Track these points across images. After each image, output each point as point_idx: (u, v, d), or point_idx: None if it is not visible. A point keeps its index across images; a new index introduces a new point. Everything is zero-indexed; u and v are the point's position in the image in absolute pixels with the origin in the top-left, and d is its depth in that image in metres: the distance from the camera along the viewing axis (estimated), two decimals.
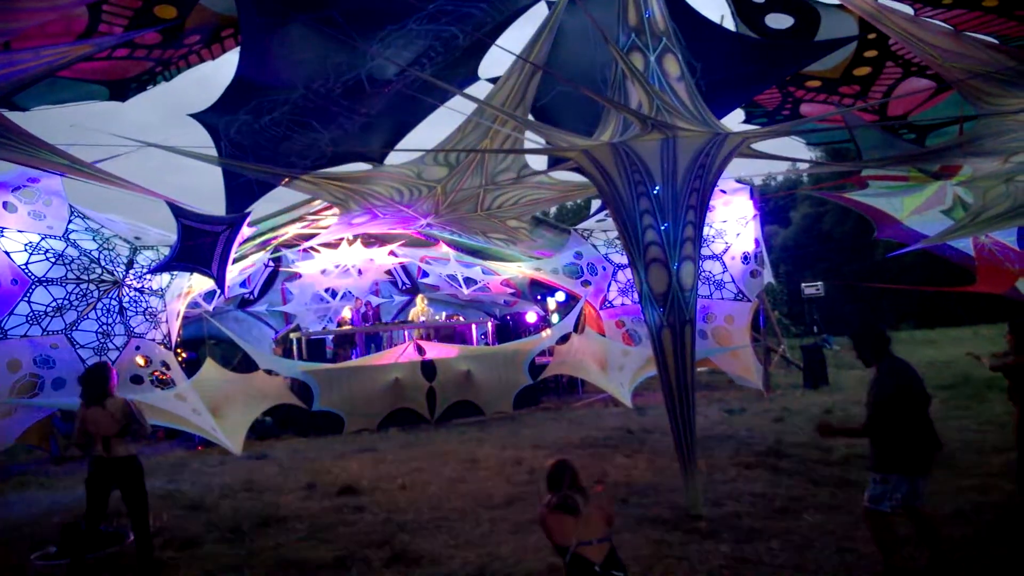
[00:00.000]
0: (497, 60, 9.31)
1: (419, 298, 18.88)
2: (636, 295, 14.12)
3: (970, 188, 10.32)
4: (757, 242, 14.76)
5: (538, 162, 10.76)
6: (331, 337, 17.40)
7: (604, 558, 4.27)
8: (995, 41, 7.18)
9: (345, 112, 8.60)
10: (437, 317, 18.38)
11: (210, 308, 16.75)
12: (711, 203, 7.67)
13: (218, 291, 13.77)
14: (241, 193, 9.34)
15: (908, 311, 36.21)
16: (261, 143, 8.65)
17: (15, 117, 6.29)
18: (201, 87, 10.70)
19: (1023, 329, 6.28)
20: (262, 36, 7.37)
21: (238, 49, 7.60)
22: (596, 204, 17.04)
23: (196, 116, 8.28)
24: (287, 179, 9.49)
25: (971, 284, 13.26)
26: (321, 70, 7.93)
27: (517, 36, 8.83)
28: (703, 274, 14.10)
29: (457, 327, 18.05)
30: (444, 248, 16.61)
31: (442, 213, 11.70)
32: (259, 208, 10.56)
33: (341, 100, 8.40)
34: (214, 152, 8.46)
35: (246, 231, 11.17)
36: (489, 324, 18.52)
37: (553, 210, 48.57)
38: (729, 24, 8.71)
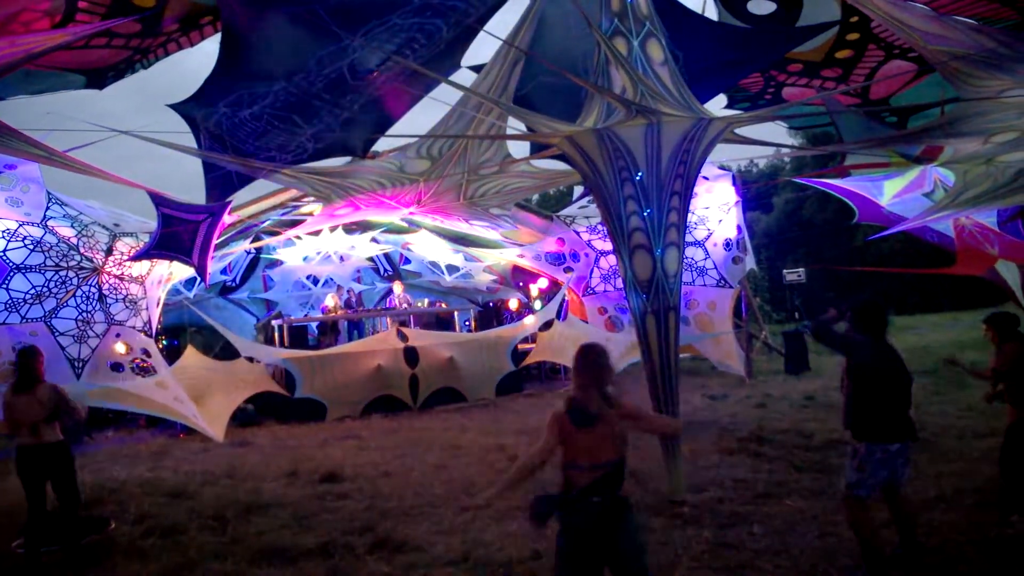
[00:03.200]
0: (478, 50, 9.27)
1: (395, 284, 18.80)
2: (618, 282, 14.21)
3: (951, 169, 10.37)
4: (739, 228, 14.80)
5: (521, 150, 10.73)
6: (315, 325, 17.33)
7: (591, 482, 3.81)
8: (975, 23, 7.22)
9: (327, 106, 8.52)
10: (419, 304, 18.35)
11: (191, 295, 16.65)
12: (694, 189, 7.68)
13: (199, 279, 13.67)
14: (221, 184, 9.26)
15: (888, 297, 36.52)
16: (241, 136, 8.56)
17: None
18: (173, 72, 10.56)
19: (1000, 322, 6.30)
20: (243, 28, 7.27)
21: (217, 36, 7.50)
22: (578, 190, 17.03)
23: (175, 107, 8.17)
24: (267, 170, 9.40)
25: (950, 266, 13.39)
26: (303, 63, 7.84)
27: (498, 24, 8.78)
28: (686, 260, 14.15)
29: (439, 314, 18.02)
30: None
31: (425, 203, 11.65)
32: (240, 195, 10.48)
33: (323, 94, 8.31)
34: (191, 139, 8.36)
35: (227, 219, 11.09)
36: (472, 311, 18.51)
37: (536, 197, 48.58)
38: (711, 10, 8.70)
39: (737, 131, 7.74)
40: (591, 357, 4.05)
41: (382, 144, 10.57)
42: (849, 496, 5.08)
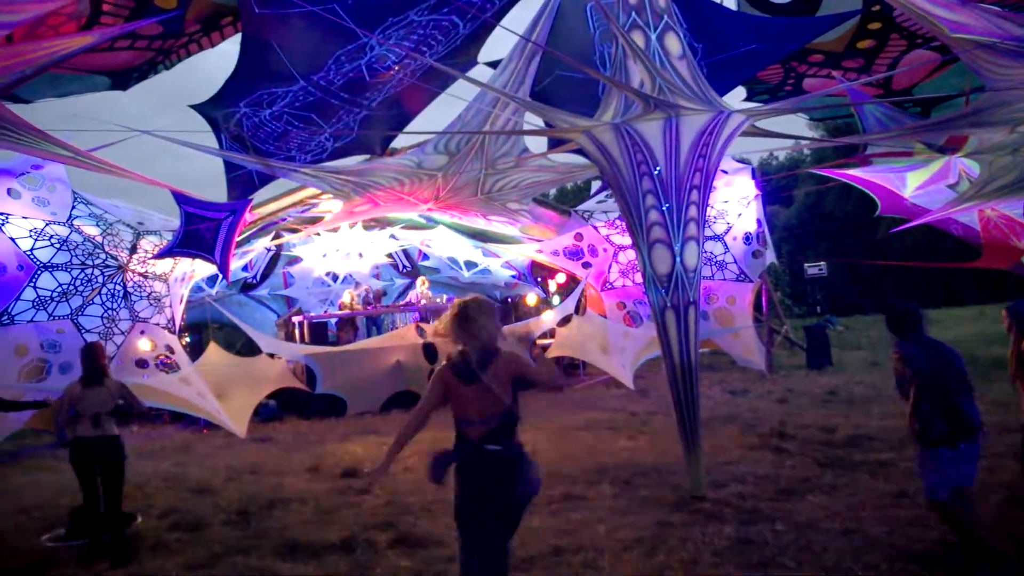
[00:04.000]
0: (495, 46, 9.27)
1: (420, 280, 18.86)
2: (637, 276, 14.15)
3: (976, 160, 10.24)
4: (759, 222, 14.69)
5: (538, 145, 10.73)
6: (334, 321, 17.41)
7: (486, 434, 3.92)
8: (1001, 10, 7.12)
9: (346, 105, 8.57)
10: (438, 299, 18.38)
11: (213, 293, 16.78)
12: (713, 183, 7.63)
13: (220, 276, 13.77)
14: (242, 183, 9.34)
15: (912, 291, 36.16)
16: (261, 136, 8.62)
17: (18, 108, 6.30)
18: (188, 73, 10.65)
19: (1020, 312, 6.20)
20: (262, 29, 7.31)
21: (237, 37, 7.55)
22: (596, 185, 16.96)
23: (196, 108, 8.25)
24: (287, 170, 9.46)
25: (976, 260, 13.22)
26: (321, 62, 7.88)
27: (515, 19, 8.78)
28: (705, 255, 14.06)
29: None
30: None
31: (443, 199, 11.66)
32: (260, 193, 10.55)
33: (342, 93, 8.35)
34: (211, 138, 8.43)
35: (247, 217, 11.16)
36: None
37: (553, 191, 48.47)
38: (731, 1, 8.64)
39: (757, 124, 7.68)
40: (469, 312, 4.06)
41: (400, 141, 10.61)
42: (933, 503, 4.99)
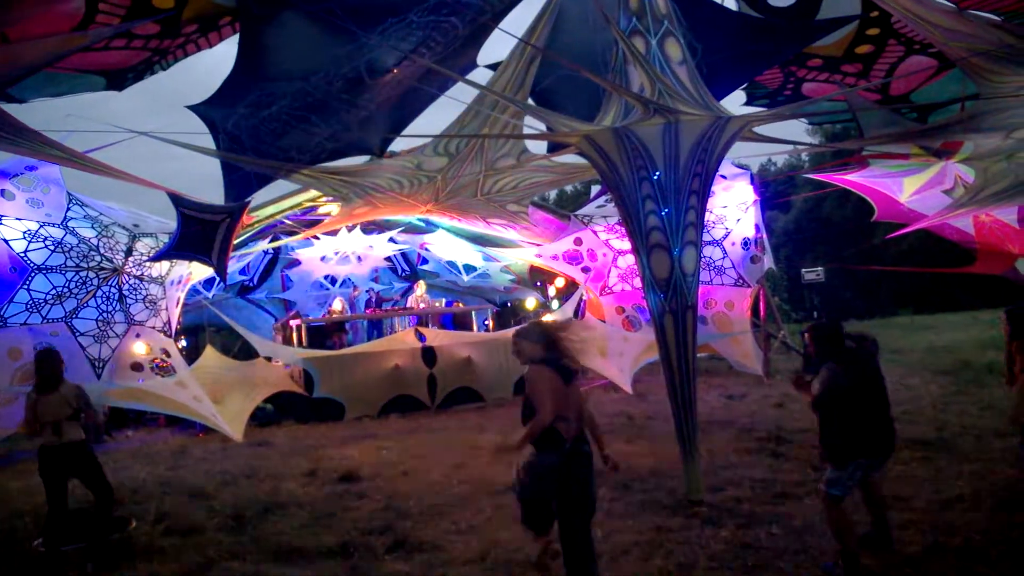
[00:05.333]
0: (494, 48, 9.26)
1: (419, 284, 18.87)
2: (636, 281, 14.15)
3: (971, 166, 10.27)
4: (758, 227, 14.71)
5: (538, 146, 10.72)
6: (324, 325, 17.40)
7: (576, 436, 4.52)
8: (997, 19, 7.15)
9: (344, 106, 8.55)
10: (437, 303, 18.37)
11: (210, 296, 16.75)
12: (712, 188, 7.63)
13: (218, 279, 13.75)
14: (240, 185, 9.29)
15: (907, 296, 36.20)
16: (259, 137, 8.59)
17: (12, 109, 6.28)
18: (183, 74, 10.64)
19: (1018, 318, 6.21)
20: (260, 29, 7.30)
21: (235, 38, 7.53)
22: (595, 189, 16.96)
23: (194, 108, 8.22)
24: (286, 171, 9.44)
25: (971, 264, 13.24)
26: (320, 63, 7.87)
27: (516, 20, 8.77)
28: (704, 260, 14.07)
29: (456, 313, 18.03)
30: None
31: (442, 200, 11.66)
32: (258, 195, 10.53)
33: (341, 94, 8.33)
34: (208, 139, 8.41)
35: (245, 220, 11.14)
36: (489, 311, 18.52)
37: (552, 196, 48.50)
38: (731, 3, 8.65)
39: (755, 129, 7.69)
40: (555, 329, 4.82)
41: (400, 144, 10.58)
42: (826, 495, 5.15)
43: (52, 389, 6.37)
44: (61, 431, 6.25)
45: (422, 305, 17.49)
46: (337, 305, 17.79)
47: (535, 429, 4.52)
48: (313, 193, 12.81)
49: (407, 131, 9.71)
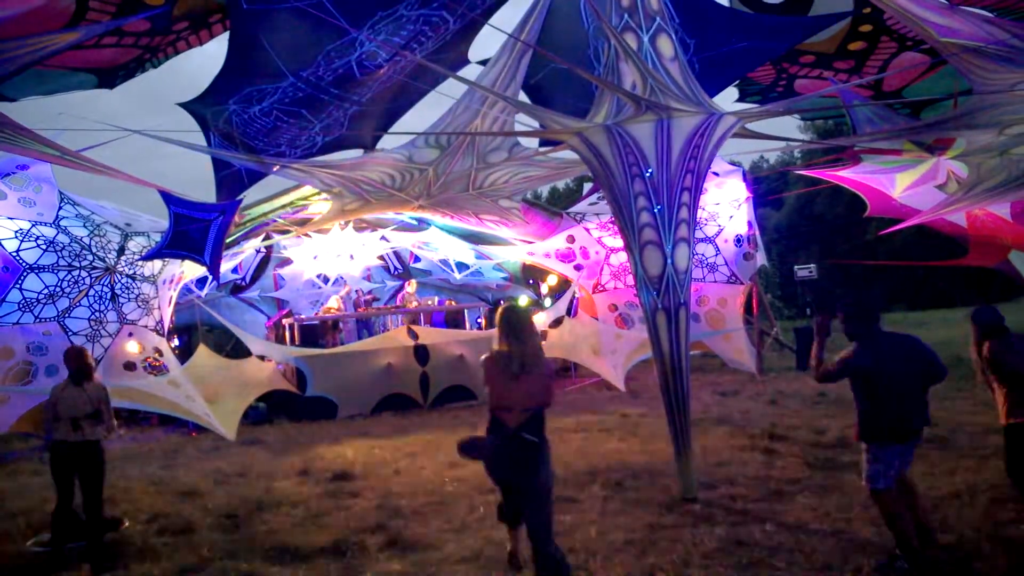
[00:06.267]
0: (487, 43, 9.25)
1: (410, 282, 18.81)
2: (629, 278, 14.15)
3: (964, 162, 10.29)
4: (750, 224, 14.73)
5: (530, 142, 10.71)
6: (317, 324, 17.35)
7: (520, 424, 4.62)
8: (990, 15, 7.17)
9: (335, 100, 8.52)
10: (428, 301, 18.34)
11: (202, 294, 16.68)
12: (704, 185, 7.64)
13: (210, 278, 13.69)
14: (231, 182, 9.28)
15: (900, 293, 36.30)
16: (250, 133, 8.57)
17: (3, 107, 6.24)
18: (178, 72, 10.62)
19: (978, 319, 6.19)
20: (251, 25, 7.27)
21: (226, 35, 7.50)
22: (588, 186, 16.96)
23: (185, 105, 8.19)
24: (277, 167, 9.41)
25: (963, 257, 13.27)
26: (311, 58, 7.85)
27: (507, 14, 8.77)
28: (696, 257, 14.08)
29: (448, 311, 18.00)
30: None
31: (434, 194, 11.63)
32: (249, 195, 10.51)
33: (331, 88, 8.32)
34: (200, 137, 8.39)
35: (236, 219, 11.11)
36: (482, 309, 18.50)
37: (545, 193, 48.52)
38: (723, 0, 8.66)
39: (748, 126, 7.69)
40: (514, 317, 4.95)
41: (389, 141, 10.57)
42: (873, 491, 5.10)
43: (79, 384, 6.39)
44: (80, 427, 6.23)
45: (413, 303, 17.46)
46: (333, 304, 17.72)
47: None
48: (305, 191, 12.77)
49: (400, 127, 9.72)
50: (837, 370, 5.22)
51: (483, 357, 5.01)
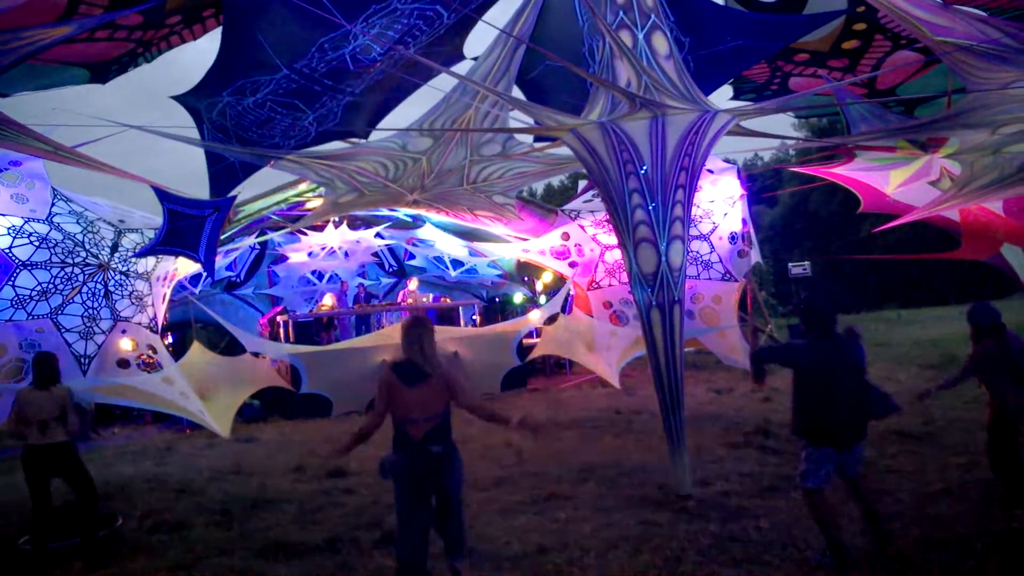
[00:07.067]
0: (482, 39, 9.23)
1: (412, 280, 18.82)
2: (623, 276, 14.16)
3: (958, 160, 10.32)
4: (744, 222, 14.74)
5: (524, 138, 10.70)
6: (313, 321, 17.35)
7: (425, 434, 4.53)
8: (984, 14, 7.19)
9: (329, 92, 8.50)
10: (424, 299, 18.34)
11: (196, 291, 16.66)
12: (698, 183, 7.64)
13: (204, 274, 13.67)
14: (225, 176, 9.24)
15: (893, 291, 36.43)
16: (244, 125, 8.55)
17: None
18: (171, 67, 10.59)
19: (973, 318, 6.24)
20: (244, 16, 7.25)
21: (218, 31, 7.48)
22: (582, 183, 16.96)
23: (178, 98, 8.16)
24: (272, 160, 9.39)
25: (956, 250, 13.30)
26: (305, 50, 7.83)
27: (501, 9, 8.75)
28: (691, 254, 14.09)
29: (443, 308, 18.01)
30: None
31: (428, 186, 11.61)
32: (244, 192, 10.49)
33: (325, 80, 8.30)
34: (193, 133, 8.36)
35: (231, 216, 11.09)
36: (476, 306, 18.51)
37: (540, 191, 48.52)
38: None
39: (742, 123, 7.70)
40: (415, 326, 4.74)
41: (383, 134, 10.54)
42: (803, 488, 5.21)
43: (43, 387, 6.35)
44: (47, 430, 6.21)
45: (411, 301, 17.45)
46: (327, 301, 17.72)
47: (361, 432, 4.87)
48: (299, 188, 12.75)
49: (393, 116, 9.70)
50: (775, 349, 5.27)
51: (380, 369, 4.91)
